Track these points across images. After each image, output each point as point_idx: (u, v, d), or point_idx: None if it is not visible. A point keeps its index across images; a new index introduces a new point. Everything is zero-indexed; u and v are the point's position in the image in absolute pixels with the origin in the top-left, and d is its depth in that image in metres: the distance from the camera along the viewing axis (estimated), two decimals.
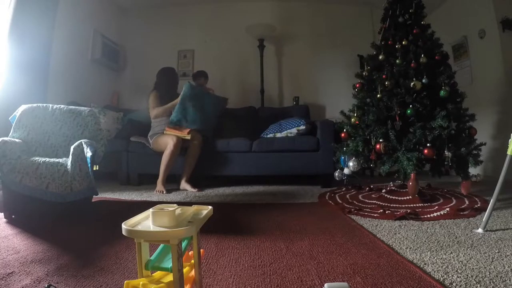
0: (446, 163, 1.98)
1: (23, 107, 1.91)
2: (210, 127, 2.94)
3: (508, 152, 1.35)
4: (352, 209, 1.81)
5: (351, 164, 2.27)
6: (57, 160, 1.63)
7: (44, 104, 1.94)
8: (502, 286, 0.82)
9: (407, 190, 2.07)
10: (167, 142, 2.62)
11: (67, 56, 3.28)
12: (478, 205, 1.84)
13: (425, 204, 1.90)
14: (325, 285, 0.68)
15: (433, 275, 0.90)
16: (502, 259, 1.01)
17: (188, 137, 2.68)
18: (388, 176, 2.22)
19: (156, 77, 2.96)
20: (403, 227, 1.47)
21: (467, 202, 1.93)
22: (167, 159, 2.60)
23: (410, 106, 2.08)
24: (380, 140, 2.09)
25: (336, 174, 2.52)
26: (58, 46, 3.09)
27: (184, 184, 2.67)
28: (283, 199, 2.28)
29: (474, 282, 0.85)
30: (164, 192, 2.51)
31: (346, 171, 2.39)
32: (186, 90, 2.75)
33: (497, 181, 1.38)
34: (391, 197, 2.10)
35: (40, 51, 2.84)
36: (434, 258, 1.05)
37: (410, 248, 1.16)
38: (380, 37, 2.47)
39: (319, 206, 2.01)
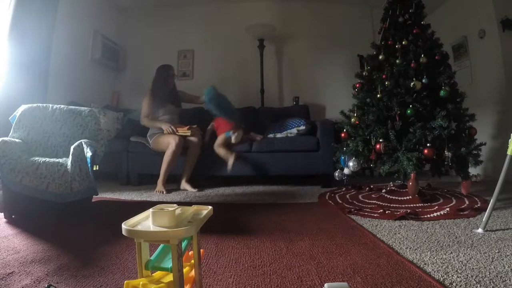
0: (446, 163, 1.98)
1: (23, 107, 1.91)
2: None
3: (508, 152, 1.35)
4: (352, 209, 1.81)
5: (351, 164, 2.27)
6: (57, 160, 1.63)
7: (44, 104, 1.95)
8: (502, 286, 0.82)
9: (407, 190, 2.07)
10: (169, 141, 2.60)
11: (67, 56, 3.28)
12: (478, 205, 1.84)
13: (425, 204, 1.90)
14: (325, 285, 0.68)
15: (433, 275, 0.90)
16: (502, 259, 1.01)
17: (189, 133, 2.67)
18: (388, 176, 2.22)
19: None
20: (403, 227, 1.47)
21: (467, 202, 1.93)
22: (169, 159, 2.58)
23: (410, 106, 2.08)
24: (380, 140, 2.09)
25: (336, 174, 2.51)
26: (58, 46, 3.09)
27: (184, 184, 2.67)
28: (283, 199, 2.28)
29: (474, 282, 0.85)
30: (164, 192, 2.51)
31: (346, 171, 2.39)
32: (210, 92, 2.86)
33: (497, 181, 1.38)
34: (391, 197, 2.10)
35: (40, 51, 2.83)
36: (434, 258, 1.05)
37: (410, 248, 1.16)
38: (380, 37, 2.48)
39: (319, 206, 2.01)
